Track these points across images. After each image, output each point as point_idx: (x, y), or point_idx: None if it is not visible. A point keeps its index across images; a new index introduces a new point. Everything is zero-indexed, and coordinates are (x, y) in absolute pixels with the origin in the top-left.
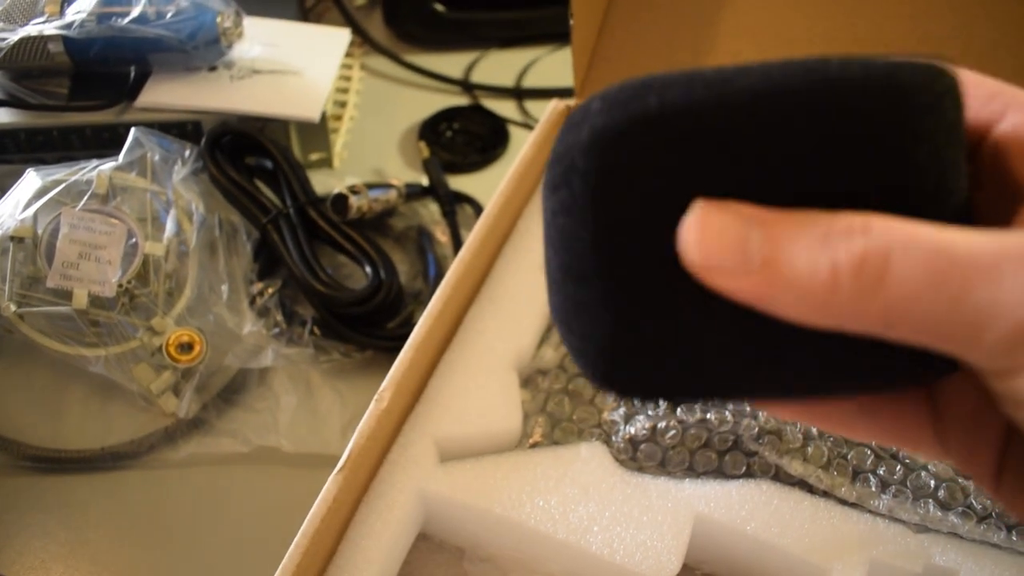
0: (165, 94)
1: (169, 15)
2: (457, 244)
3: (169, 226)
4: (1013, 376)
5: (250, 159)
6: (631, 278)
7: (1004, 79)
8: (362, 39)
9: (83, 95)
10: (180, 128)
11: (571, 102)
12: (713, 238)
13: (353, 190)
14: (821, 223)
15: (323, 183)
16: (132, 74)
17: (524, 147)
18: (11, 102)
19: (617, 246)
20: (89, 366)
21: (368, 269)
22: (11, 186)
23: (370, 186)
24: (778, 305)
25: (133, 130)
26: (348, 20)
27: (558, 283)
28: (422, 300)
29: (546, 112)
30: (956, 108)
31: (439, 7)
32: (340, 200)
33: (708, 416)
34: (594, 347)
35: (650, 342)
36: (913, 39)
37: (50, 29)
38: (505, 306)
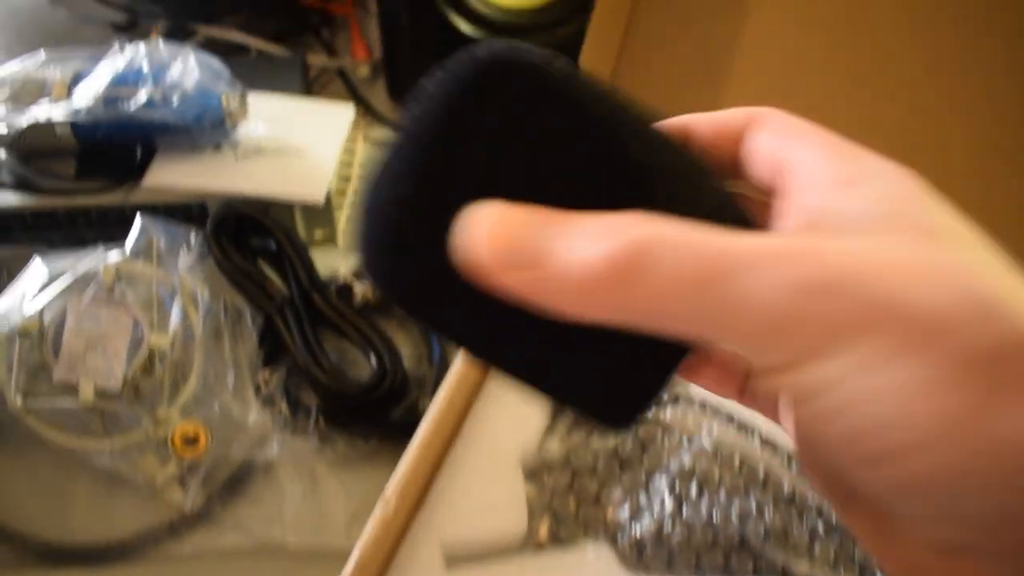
0: (170, 175)
1: (175, 100)
2: (428, 342)
3: (175, 315)
4: (774, 376)
5: (254, 239)
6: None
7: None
8: (365, 110)
9: (89, 175)
10: (186, 210)
11: None
12: (484, 241)
13: (358, 276)
14: (589, 221)
15: (328, 262)
16: (138, 154)
17: None
18: (18, 184)
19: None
20: (94, 458)
21: (373, 359)
22: (17, 269)
23: None
24: (544, 300)
25: (139, 218)
26: (352, 92)
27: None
28: (426, 386)
29: None
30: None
31: None
32: (345, 290)
33: (714, 518)
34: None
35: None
36: (921, 66)
37: (58, 114)
38: (510, 397)
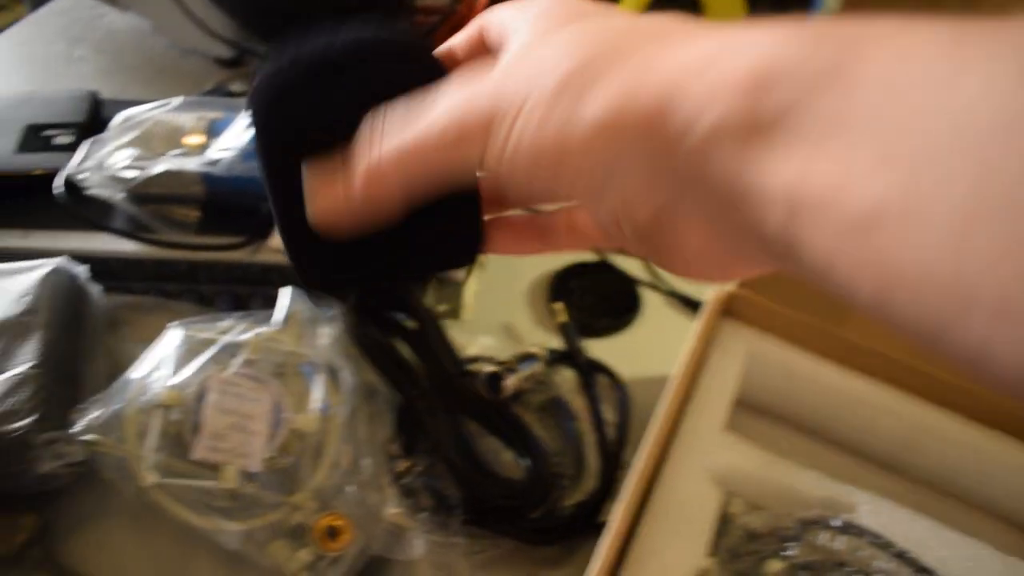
0: None
1: None
2: (597, 420)
3: (316, 395)
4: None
5: (390, 314)
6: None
7: None
8: None
9: (213, 227)
10: None
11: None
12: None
13: (506, 367)
14: (339, 171)
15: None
16: (264, 210)
17: (687, 347)
18: (143, 237)
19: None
20: (222, 538)
21: (527, 463)
22: (129, 318)
23: (520, 359)
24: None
25: (285, 291)
26: None
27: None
28: (563, 486)
29: (707, 305)
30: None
31: None
32: (495, 380)
33: None
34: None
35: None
36: None
37: (195, 165)
38: (674, 520)
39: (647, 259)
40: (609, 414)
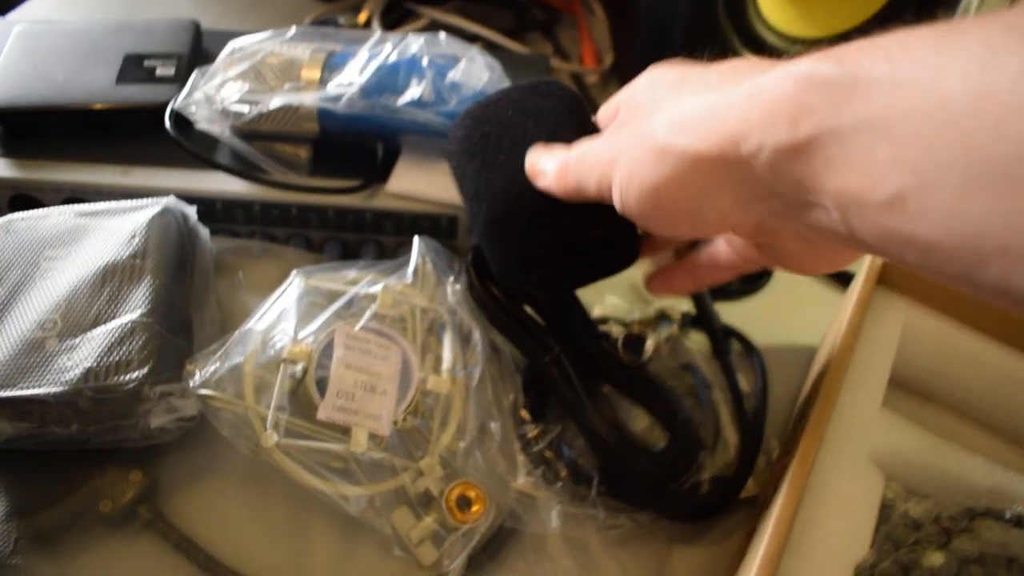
0: (419, 182)
1: (453, 102)
2: (734, 390)
3: (447, 355)
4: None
5: None
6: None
7: None
8: None
9: (326, 168)
10: (433, 221)
11: None
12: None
13: (645, 327)
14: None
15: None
16: (380, 152)
17: (842, 317)
18: (255, 177)
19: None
20: (344, 503)
21: (670, 433)
22: (236, 264)
23: (656, 319)
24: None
25: (417, 241)
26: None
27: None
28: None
29: (862, 273)
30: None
31: None
32: (636, 342)
33: None
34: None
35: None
36: None
37: (314, 100)
38: (835, 505)
39: (774, 266)
40: (743, 384)
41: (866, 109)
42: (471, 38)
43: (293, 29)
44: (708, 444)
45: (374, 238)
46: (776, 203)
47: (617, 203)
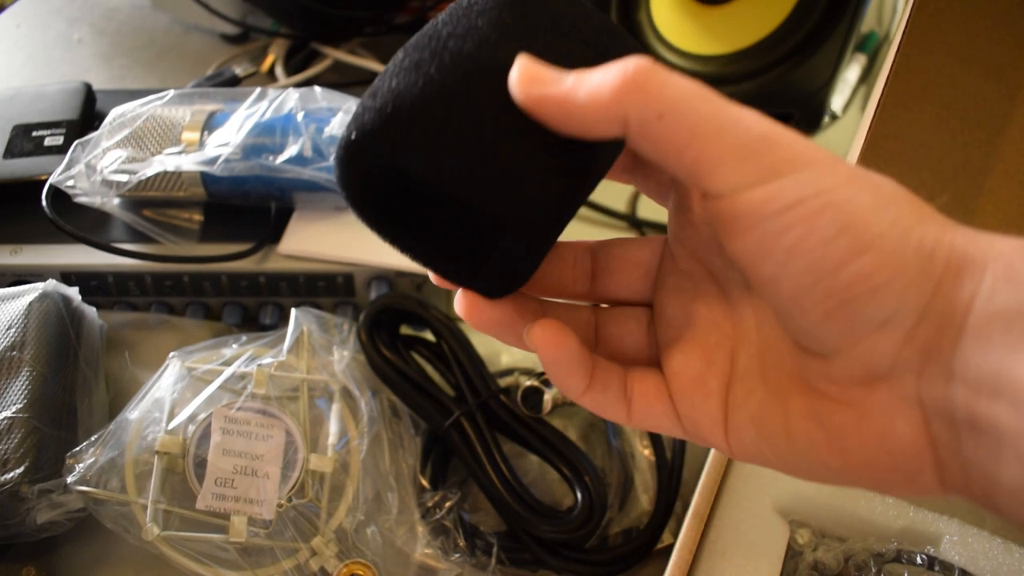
0: (312, 241)
1: (333, 157)
2: (653, 434)
3: (333, 428)
4: (735, 195)
5: (406, 328)
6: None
7: None
8: None
9: (220, 232)
10: (328, 280)
11: None
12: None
13: (545, 379)
14: (600, 69)
15: (484, 346)
16: (272, 211)
17: None
18: (134, 253)
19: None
20: None
21: (579, 492)
22: (131, 339)
23: None
24: (562, 115)
25: (294, 313)
26: None
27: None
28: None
29: None
30: None
31: None
32: (534, 394)
33: None
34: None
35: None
36: None
37: (190, 164)
38: (737, 555)
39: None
40: None
41: None
42: (375, 75)
43: (172, 92)
44: (618, 497)
45: (272, 300)
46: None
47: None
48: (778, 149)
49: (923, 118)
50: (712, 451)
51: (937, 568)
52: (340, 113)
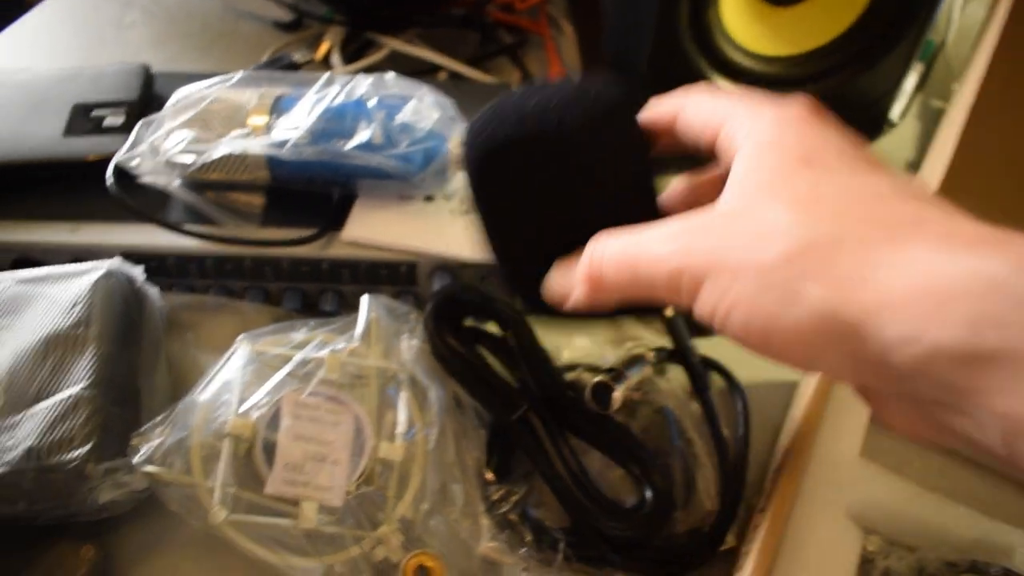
0: (376, 229)
1: (404, 144)
2: (714, 433)
3: (402, 417)
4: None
5: (469, 321)
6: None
7: None
8: None
9: (281, 216)
10: (391, 269)
11: None
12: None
13: (613, 375)
14: (574, 263)
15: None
16: (335, 197)
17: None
18: (200, 233)
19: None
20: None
21: (647, 490)
22: (191, 321)
23: (626, 363)
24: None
25: (365, 299)
26: None
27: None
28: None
29: None
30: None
31: None
32: (603, 391)
33: None
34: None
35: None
36: None
37: (258, 147)
38: (810, 564)
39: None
40: (725, 421)
41: None
42: (432, 68)
43: (240, 73)
44: (680, 497)
45: (333, 287)
46: (905, 388)
47: (704, 314)
48: None
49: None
50: (788, 453)
51: None
52: (413, 100)
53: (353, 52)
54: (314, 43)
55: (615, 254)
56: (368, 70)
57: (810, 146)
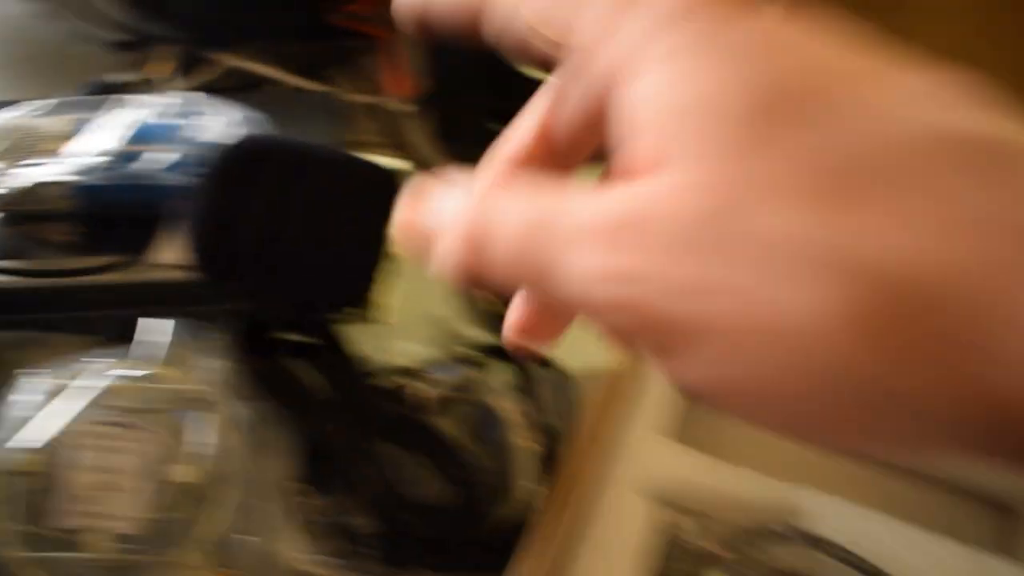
0: (182, 249)
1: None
2: (534, 424)
3: (201, 438)
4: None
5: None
6: None
7: None
8: (406, 154)
9: (94, 245)
10: (200, 289)
11: None
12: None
13: (424, 377)
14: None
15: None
16: (147, 220)
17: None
18: (11, 258)
19: None
20: None
21: (456, 488)
22: (6, 359)
23: (442, 364)
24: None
25: (159, 323)
26: (391, 133)
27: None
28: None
29: None
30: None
31: (494, 127)
32: (411, 393)
33: None
34: None
35: None
36: None
37: (63, 175)
38: (608, 540)
39: None
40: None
41: None
42: (263, 81)
43: (44, 102)
44: (499, 492)
45: (145, 311)
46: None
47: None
48: None
49: None
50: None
51: (796, 539)
52: (222, 118)
53: (187, 70)
54: (149, 62)
55: (518, 226)
56: (202, 88)
57: (786, 92)
